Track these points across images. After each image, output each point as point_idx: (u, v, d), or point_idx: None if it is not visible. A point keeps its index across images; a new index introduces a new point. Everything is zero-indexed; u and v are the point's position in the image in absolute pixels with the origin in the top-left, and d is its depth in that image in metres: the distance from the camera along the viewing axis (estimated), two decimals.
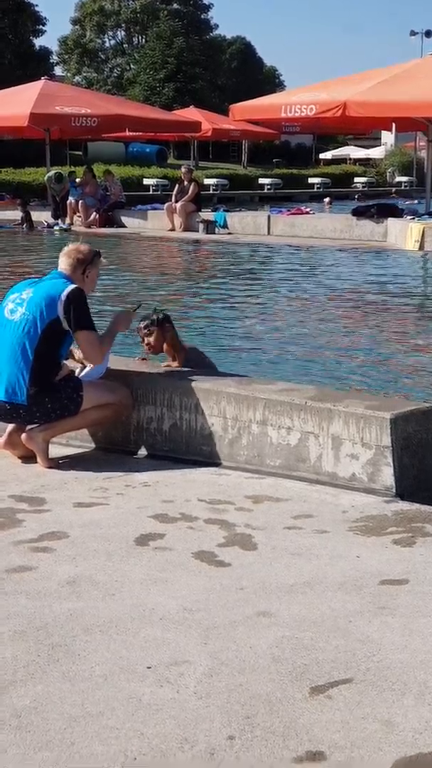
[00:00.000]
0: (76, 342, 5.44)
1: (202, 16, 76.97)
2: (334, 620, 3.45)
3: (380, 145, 58.92)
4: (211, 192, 33.82)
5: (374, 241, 20.07)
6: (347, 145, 66.66)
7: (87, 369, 5.70)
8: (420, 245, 18.22)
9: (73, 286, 5.38)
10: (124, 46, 77.59)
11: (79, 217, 24.15)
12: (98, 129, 28.24)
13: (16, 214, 24.50)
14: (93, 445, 5.77)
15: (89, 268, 5.56)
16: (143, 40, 73.04)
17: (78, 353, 5.67)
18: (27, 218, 24.03)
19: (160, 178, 34.66)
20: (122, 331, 5.82)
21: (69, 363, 5.62)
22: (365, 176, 46.21)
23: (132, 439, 5.69)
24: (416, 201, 26.10)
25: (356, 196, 36.99)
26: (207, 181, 34.35)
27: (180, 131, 35.00)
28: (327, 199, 29.13)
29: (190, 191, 22.94)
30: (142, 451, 5.65)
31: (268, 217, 22.65)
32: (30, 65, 49.90)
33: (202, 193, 24.98)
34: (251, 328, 10.68)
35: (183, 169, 24.79)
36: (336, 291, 13.90)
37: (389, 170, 47.05)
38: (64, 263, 5.55)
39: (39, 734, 2.76)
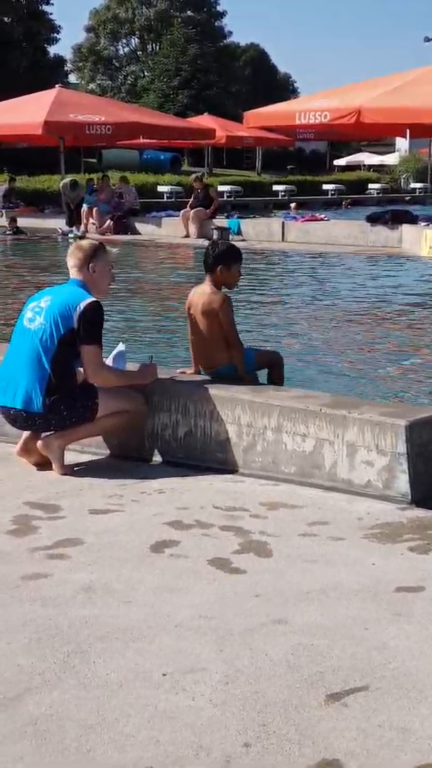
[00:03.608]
0: (81, 355, 5.39)
1: (216, 24, 77.13)
2: (349, 627, 3.44)
3: (394, 152, 58.88)
4: (225, 199, 33.86)
5: (389, 247, 20.06)
6: (361, 151, 66.68)
7: (110, 359, 5.70)
8: None
9: (90, 299, 5.38)
10: (138, 53, 77.82)
11: (94, 224, 24.21)
12: (112, 136, 28.37)
13: (30, 222, 24.55)
14: (108, 452, 5.78)
15: (93, 262, 5.53)
16: (157, 47, 73.21)
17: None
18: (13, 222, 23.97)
19: (175, 185, 34.67)
20: (145, 383, 5.67)
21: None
22: (379, 182, 46.14)
23: (147, 446, 5.70)
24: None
25: (342, 203, 37.02)
26: (221, 188, 34.34)
27: (194, 138, 35.10)
28: (293, 205, 29.13)
29: (214, 202, 23.22)
30: (157, 458, 5.65)
31: (282, 223, 22.67)
32: (44, 73, 50.10)
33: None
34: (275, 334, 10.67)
35: (192, 177, 25.03)
36: (353, 298, 13.89)
37: (403, 176, 46.98)
38: (71, 265, 5.56)
39: (55, 742, 2.76)
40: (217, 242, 5.99)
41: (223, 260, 5.80)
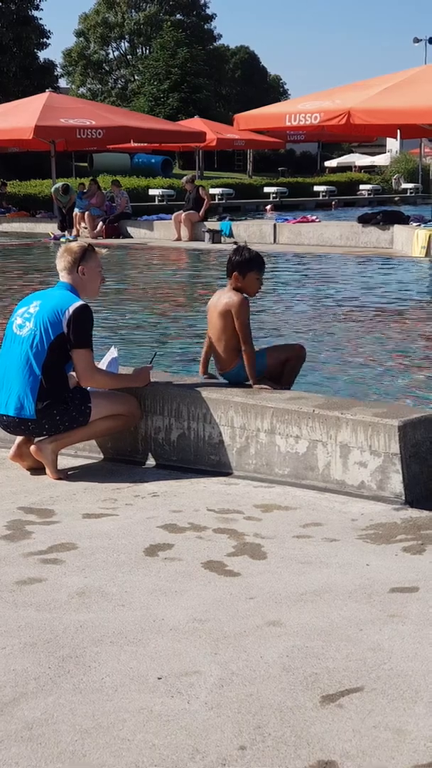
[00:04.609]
0: (72, 359, 5.38)
1: (206, 27, 77.31)
2: (344, 629, 3.44)
3: (385, 152, 58.94)
4: (216, 202, 33.87)
5: (381, 248, 20.09)
6: (352, 152, 66.75)
7: (103, 364, 5.69)
8: (426, 252, 18.22)
9: (78, 303, 5.37)
10: (128, 57, 77.93)
11: (86, 228, 24.23)
12: (103, 140, 28.40)
13: (22, 227, 24.53)
14: (101, 456, 5.77)
15: (83, 264, 5.52)
16: (147, 51, 73.31)
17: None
18: None
19: (166, 188, 34.69)
20: (138, 386, 5.67)
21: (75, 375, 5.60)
22: (371, 183, 46.19)
23: (140, 450, 5.70)
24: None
25: (333, 202, 37.17)
26: (212, 191, 34.37)
27: (185, 141, 35.13)
28: (268, 207, 29.23)
29: (205, 202, 23.19)
30: (151, 461, 5.65)
31: (274, 225, 22.69)
32: (34, 78, 50.16)
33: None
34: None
35: (183, 180, 25.08)
36: (346, 299, 13.90)
37: (395, 177, 47.05)
38: (60, 268, 5.55)
39: (50, 746, 2.75)
40: (241, 248, 5.90)
41: (239, 268, 5.78)
